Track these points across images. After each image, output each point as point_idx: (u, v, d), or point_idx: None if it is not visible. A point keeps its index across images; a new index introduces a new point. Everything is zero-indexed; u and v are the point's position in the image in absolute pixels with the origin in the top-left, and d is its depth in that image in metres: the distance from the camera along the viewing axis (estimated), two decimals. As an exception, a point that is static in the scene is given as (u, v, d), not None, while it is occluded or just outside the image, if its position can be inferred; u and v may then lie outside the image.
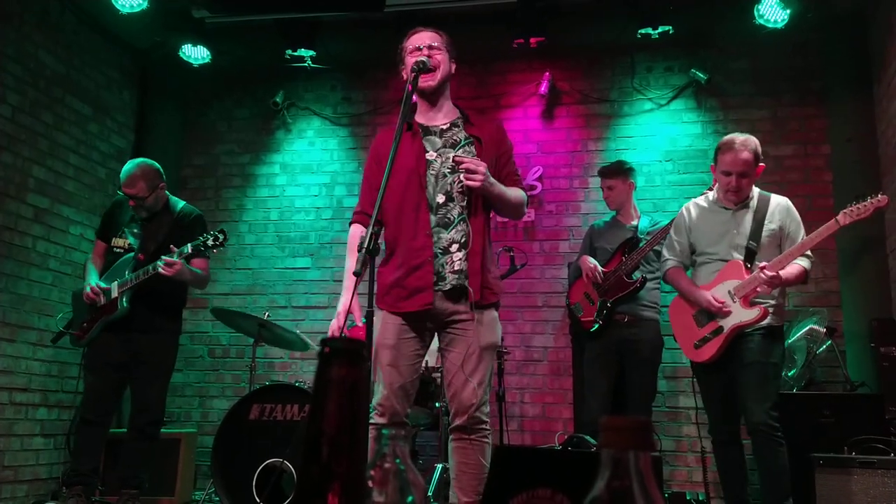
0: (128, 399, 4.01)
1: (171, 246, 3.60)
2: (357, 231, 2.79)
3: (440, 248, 2.63)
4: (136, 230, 3.84)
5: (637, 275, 4.06)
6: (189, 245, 3.63)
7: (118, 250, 3.82)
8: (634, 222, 4.28)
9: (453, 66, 2.82)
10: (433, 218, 2.65)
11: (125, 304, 3.68)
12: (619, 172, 4.34)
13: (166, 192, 3.90)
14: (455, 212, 2.66)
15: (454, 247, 2.63)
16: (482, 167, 2.57)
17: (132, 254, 3.77)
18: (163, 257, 3.57)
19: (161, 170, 3.88)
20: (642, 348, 4.04)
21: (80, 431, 3.73)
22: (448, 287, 2.61)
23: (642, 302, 4.09)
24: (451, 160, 2.67)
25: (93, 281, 3.74)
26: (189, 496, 4.60)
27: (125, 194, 3.77)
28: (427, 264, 2.60)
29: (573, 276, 4.39)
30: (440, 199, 2.66)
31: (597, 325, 4.08)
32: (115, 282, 3.71)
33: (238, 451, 3.69)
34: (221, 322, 4.58)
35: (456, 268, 2.62)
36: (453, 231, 2.64)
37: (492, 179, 2.62)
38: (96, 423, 3.70)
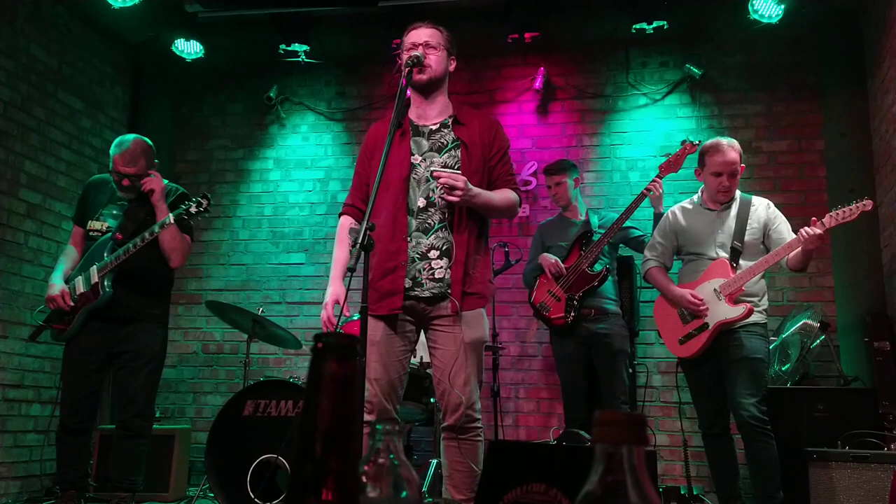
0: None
1: (148, 234, 3.35)
2: (346, 222, 2.79)
3: (418, 253, 2.59)
4: (115, 212, 3.54)
5: (599, 266, 4.08)
6: (171, 215, 3.37)
7: (95, 234, 3.51)
8: (582, 217, 4.30)
9: (452, 64, 2.77)
10: (413, 222, 2.61)
11: (108, 289, 3.41)
12: (564, 169, 4.35)
13: None
14: (436, 218, 2.61)
15: (433, 253, 2.59)
16: (460, 182, 2.48)
17: (108, 235, 3.48)
18: (138, 239, 3.34)
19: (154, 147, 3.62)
20: (613, 341, 4.06)
21: (62, 441, 3.45)
22: (426, 294, 2.58)
23: (606, 296, 4.12)
24: (434, 168, 2.62)
25: (56, 281, 3.46)
26: (183, 492, 4.59)
27: (122, 174, 3.44)
28: (400, 269, 2.57)
29: (531, 276, 4.36)
30: (420, 203, 2.62)
31: (569, 321, 4.08)
32: (94, 266, 3.42)
33: (232, 447, 3.68)
34: (216, 316, 4.57)
35: (437, 276, 2.58)
36: (433, 237, 2.60)
37: (474, 192, 2.54)
38: (78, 430, 3.45)
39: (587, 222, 4.25)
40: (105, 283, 3.42)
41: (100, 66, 5.39)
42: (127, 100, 5.70)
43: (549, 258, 4.17)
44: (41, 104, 4.81)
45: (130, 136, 3.57)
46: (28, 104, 4.70)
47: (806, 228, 3.21)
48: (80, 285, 3.45)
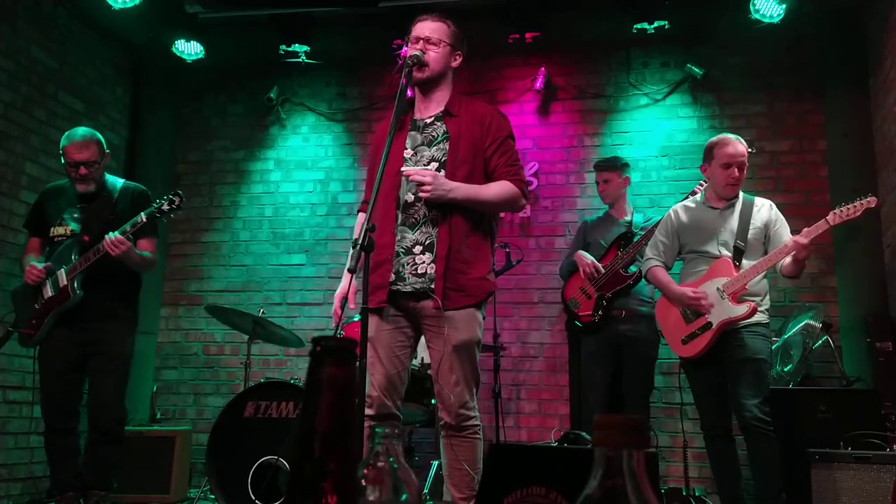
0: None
1: (126, 227, 3.32)
2: (361, 219, 2.81)
3: (403, 248, 2.60)
4: (76, 214, 3.50)
5: (633, 268, 4.07)
6: (143, 214, 3.34)
7: (60, 239, 3.49)
8: (628, 217, 4.30)
9: (456, 58, 2.77)
10: (400, 216, 2.62)
11: (78, 291, 3.38)
12: (615, 166, 4.35)
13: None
14: (421, 213, 2.61)
15: (417, 248, 2.59)
16: (428, 177, 2.50)
17: (72, 239, 3.46)
18: (109, 234, 3.29)
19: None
20: (639, 344, 4.05)
21: (49, 442, 3.44)
22: (408, 289, 2.58)
23: (638, 297, 4.10)
24: (423, 160, 2.65)
25: (31, 262, 3.44)
26: (184, 494, 4.59)
27: (77, 161, 3.42)
28: (387, 263, 2.59)
29: (567, 271, 4.38)
30: (409, 198, 2.62)
31: (595, 319, 4.08)
32: (62, 268, 3.40)
33: (233, 448, 3.68)
34: (216, 319, 4.57)
35: (419, 271, 2.58)
36: (418, 232, 2.60)
37: (448, 186, 2.53)
38: (63, 430, 3.43)
39: (630, 223, 4.24)
40: (75, 286, 3.40)
41: (100, 67, 5.39)
42: (127, 101, 5.70)
43: (586, 258, 4.16)
44: (42, 105, 4.81)
45: (79, 129, 3.58)
46: (29, 105, 4.70)
47: (798, 237, 3.21)
48: (47, 290, 3.43)
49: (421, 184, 2.50)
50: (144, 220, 3.35)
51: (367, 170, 2.90)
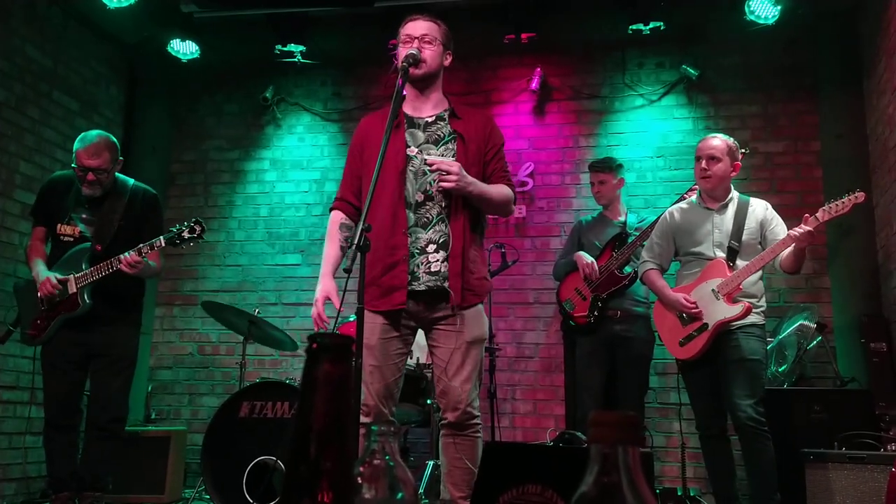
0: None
1: (142, 247, 3.33)
2: (337, 217, 2.76)
3: (417, 248, 2.59)
4: (84, 215, 3.47)
5: (628, 269, 4.08)
6: (162, 238, 3.35)
7: (67, 239, 3.45)
8: (622, 218, 4.31)
9: (448, 58, 2.78)
10: (411, 216, 2.61)
11: (87, 301, 3.38)
12: (610, 168, 4.36)
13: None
14: (434, 211, 2.61)
15: (431, 247, 2.59)
16: (455, 167, 2.51)
17: (88, 244, 3.43)
18: (127, 253, 3.31)
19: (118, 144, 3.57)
20: (634, 344, 4.05)
21: (50, 438, 3.43)
22: (422, 288, 2.57)
23: (633, 297, 4.11)
24: (426, 157, 2.64)
25: (48, 273, 3.39)
26: (179, 494, 4.58)
27: (86, 167, 3.37)
28: (402, 263, 2.56)
29: (563, 271, 4.38)
30: (419, 197, 2.62)
31: (591, 320, 4.09)
32: (72, 274, 3.38)
33: (228, 448, 3.67)
34: (211, 317, 4.55)
35: (433, 269, 2.57)
36: (431, 231, 2.60)
37: (469, 179, 2.55)
38: (66, 426, 3.43)
39: (624, 223, 4.26)
40: (85, 296, 3.39)
41: (95, 66, 5.37)
42: (122, 100, 5.68)
43: (586, 258, 4.17)
44: (36, 104, 4.80)
45: (94, 132, 3.53)
46: (23, 104, 4.69)
47: (796, 228, 3.22)
48: (72, 285, 3.42)
49: (447, 172, 2.49)
50: (163, 244, 3.36)
51: (349, 164, 2.79)
